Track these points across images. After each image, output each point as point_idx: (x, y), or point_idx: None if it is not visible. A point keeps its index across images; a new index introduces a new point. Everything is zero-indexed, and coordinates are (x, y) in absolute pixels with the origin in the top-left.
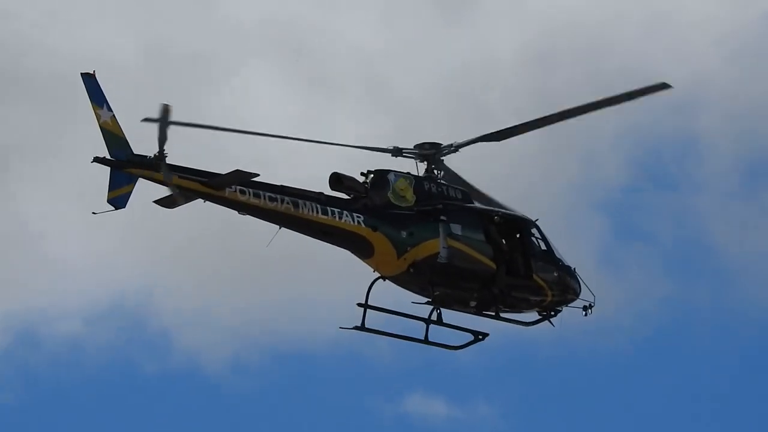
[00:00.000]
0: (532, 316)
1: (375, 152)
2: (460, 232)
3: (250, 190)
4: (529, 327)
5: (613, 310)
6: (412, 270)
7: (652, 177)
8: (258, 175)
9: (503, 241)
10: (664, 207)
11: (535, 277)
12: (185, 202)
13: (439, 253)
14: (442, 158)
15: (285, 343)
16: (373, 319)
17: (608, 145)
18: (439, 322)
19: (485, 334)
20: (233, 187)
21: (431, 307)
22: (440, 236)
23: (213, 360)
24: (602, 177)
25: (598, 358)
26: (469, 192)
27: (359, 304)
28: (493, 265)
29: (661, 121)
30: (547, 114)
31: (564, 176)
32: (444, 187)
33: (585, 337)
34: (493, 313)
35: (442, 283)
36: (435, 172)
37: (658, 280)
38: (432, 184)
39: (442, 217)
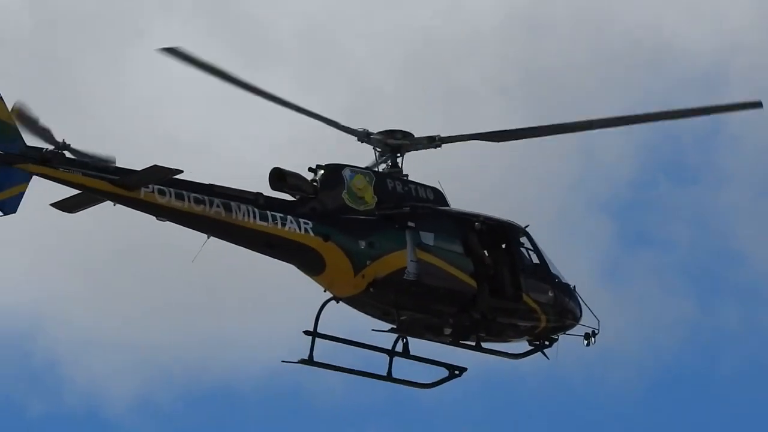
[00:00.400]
0: (522, 346)
1: (336, 131)
2: (432, 242)
3: (171, 190)
4: (519, 360)
5: (620, 336)
6: (372, 289)
7: (666, 169)
8: (181, 171)
9: (486, 253)
10: (682, 207)
11: (525, 297)
12: (91, 205)
13: (406, 268)
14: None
15: (208, 380)
16: (324, 350)
17: (612, 130)
18: (406, 353)
19: (462, 369)
20: (150, 186)
21: (396, 335)
22: (407, 247)
23: (114, 399)
24: (605, 170)
25: (602, 397)
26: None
27: (306, 332)
28: (474, 284)
29: (678, 100)
30: (561, 122)
31: (559, 170)
32: (412, 186)
33: (587, 371)
34: (473, 343)
35: (410, 306)
36: (399, 167)
37: (675, 298)
38: (397, 182)
39: (410, 224)
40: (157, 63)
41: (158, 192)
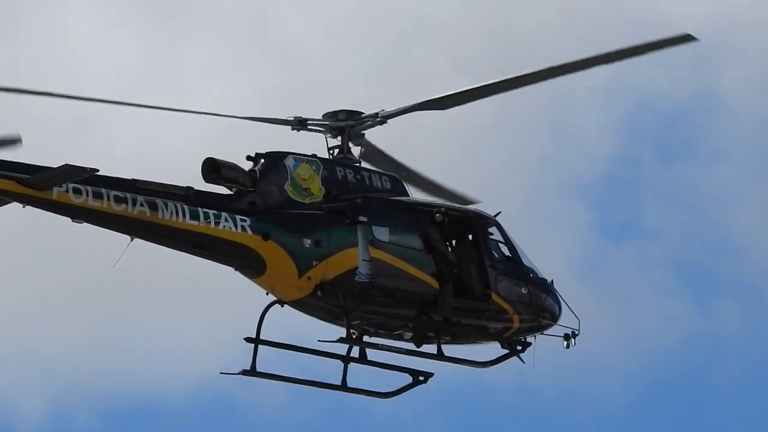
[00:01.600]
0: (493, 350)
1: (266, 124)
2: (387, 238)
3: (88, 188)
4: (488, 368)
5: (603, 338)
6: (320, 293)
7: (652, 146)
8: (97, 170)
9: (449, 248)
10: (671, 189)
11: (494, 296)
12: None
13: (357, 268)
14: (363, 132)
15: (131, 395)
16: (268, 358)
17: (589, 103)
18: (363, 359)
19: (428, 375)
20: (63, 185)
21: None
22: (359, 245)
23: (23, 415)
24: (583, 150)
25: (585, 406)
26: (404, 179)
27: (248, 339)
28: (435, 283)
29: (665, 68)
30: (515, 75)
31: (530, 150)
32: (365, 174)
33: (566, 377)
34: (435, 352)
35: (363, 311)
36: (352, 152)
37: (664, 295)
38: (348, 171)
39: (362, 218)
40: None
41: (73, 191)
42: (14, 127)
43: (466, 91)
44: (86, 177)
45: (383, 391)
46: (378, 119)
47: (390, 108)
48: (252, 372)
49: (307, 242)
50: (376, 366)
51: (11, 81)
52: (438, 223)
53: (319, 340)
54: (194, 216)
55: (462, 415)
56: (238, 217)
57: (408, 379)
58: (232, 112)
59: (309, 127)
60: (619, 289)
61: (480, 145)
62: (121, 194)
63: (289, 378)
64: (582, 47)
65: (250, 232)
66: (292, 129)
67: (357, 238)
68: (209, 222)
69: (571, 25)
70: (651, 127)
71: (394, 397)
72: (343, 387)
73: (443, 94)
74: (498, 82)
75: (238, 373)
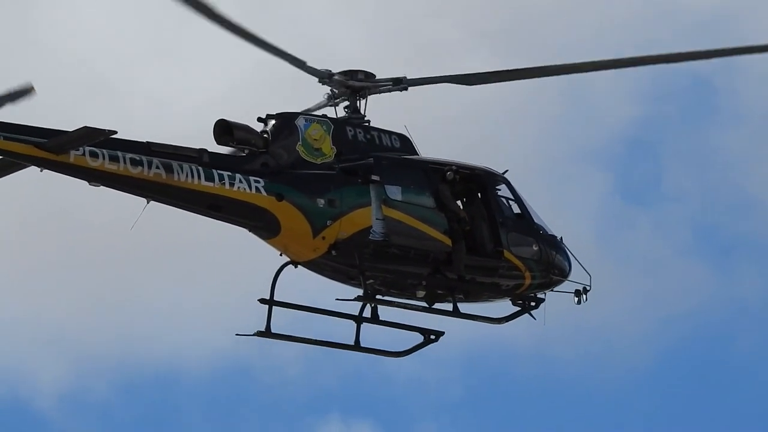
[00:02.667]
0: (505, 307)
1: (292, 72)
2: (400, 197)
3: (104, 151)
4: (502, 324)
5: (623, 301)
6: (334, 252)
7: (673, 108)
8: (115, 132)
9: (461, 205)
10: (691, 151)
11: (507, 253)
12: (11, 171)
13: (371, 227)
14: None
15: (146, 361)
16: (283, 319)
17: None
18: (375, 319)
19: (439, 333)
20: (80, 149)
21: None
22: (372, 204)
23: (39, 389)
24: (600, 112)
25: (605, 370)
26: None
27: (262, 300)
28: (449, 241)
29: (680, 46)
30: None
31: (546, 114)
32: (375, 134)
33: (587, 341)
34: (450, 308)
35: (378, 269)
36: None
37: (683, 260)
38: (358, 130)
39: (374, 177)
40: None
41: (90, 154)
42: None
43: (495, 72)
44: (102, 140)
45: (396, 350)
46: (401, 85)
47: (410, 75)
48: (266, 333)
49: (321, 202)
50: (388, 326)
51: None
52: (449, 181)
53: (336, 299)
54: (209, 177)
55: (478, 375)
56: (251, 178)
57: (419, 338)
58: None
59: (333, 81)
60: (639, 252)
61: (496, 108)
62: (136, 157)
63: (304, 339)
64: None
65: (264, 193)
66: (319, 81)
67: (370, 197)
68: (224, 183)
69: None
70: (671, 89)
71: (408, 356)
72: (357, 347)
73: (471, 72)
74: (529, 69)
75: (253, 335)
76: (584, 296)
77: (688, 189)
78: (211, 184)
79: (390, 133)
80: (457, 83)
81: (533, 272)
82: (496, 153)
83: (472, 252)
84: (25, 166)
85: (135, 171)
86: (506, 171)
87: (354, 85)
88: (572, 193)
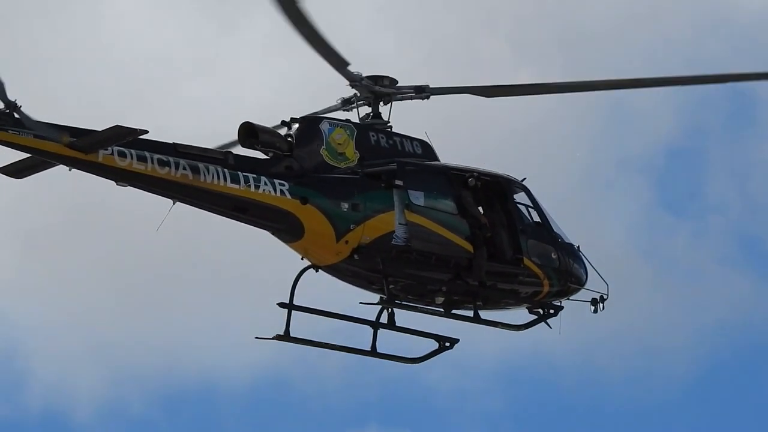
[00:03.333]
0: (522, 315)
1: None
2: (423, 203)
3: (132, 151)
4: (521, 332)
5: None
6: (356, 256)
7: (716, 118)
8: (146, 131)
9: (482, 212)
10: (733, 161)
11: (526, 260)
12: (40, 170)
13: (394, 232)
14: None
15: (183, 372)
16: (301, 324)
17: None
18: (392, 325)
19: (454, 341)
20: (109, 148)
21: (380, 307)
22: (395, 209)
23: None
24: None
25: (649, 379)
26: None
27: (281, 305)
28: (470, 247)
29: (737, 64)
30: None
31: (588, 123)
32: (398, 139)
33: (632, 353)
34: (471, 314)
35: (400, 274)
36: (382, 117)
37: (725, 270)
38: (381, 135)
39: (398, 182)
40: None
41: (118, 154)
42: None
43: (518, 85)
44: (130, 140)
45: (411, 356)
46: (424, 94)
47: (433, 84)
48: (285, 337)
49: (345, 206)
50: (404, 332)
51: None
52: (471, 188)
53: (360, 303)
54: (235, 180)
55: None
56: (276, 181)
57: (434, 345)
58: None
59: (363, 82)
60: (680, 262)
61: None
62: (164, 158)
63: (322, 343)
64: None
65: (288, 196)
66: (350, 84)
67: (393, 202)
68: (249, 186)
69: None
70: (712, 99)
71: (422, 363)
72: (373, 352)
73: (493, 84)
74: (550, 84)
75: (273, 338)
76: (601, 305)
77: (730, 199)
78: (236, 186)
79: (412, 139)
80: (478, 95)
81: (551, 280)
82: (537, 162)
83: (492, 258)
84: (52, 165)
85: (162, 171)
86: (524, 179)
87: (380, 90)
88: (614, 203)
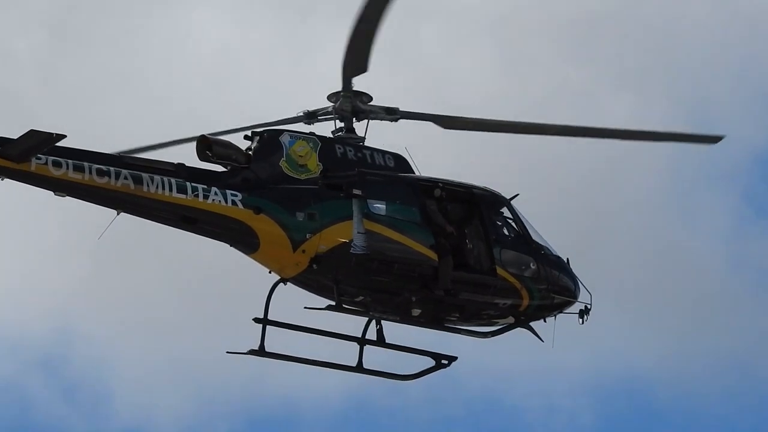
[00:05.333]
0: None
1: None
2: (383, 211)
3: (69, 161)
4: (489, 338)
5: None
6: (315, 266)
7: None
8: (64, 136)
9: (449, 222)
10: None
11: (500, 271)
12: None
13: (352, 240)
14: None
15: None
16: (279, 340)
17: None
18: (381, 342)
19: (452, 358)
20: (43, 158)
21: (366, 319)
22: (354, 217)
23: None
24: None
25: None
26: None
27: (256, 320)
28: (434, 256)
29: None
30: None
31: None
32: (367, 152)
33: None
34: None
35: (361, 284)
36: (356, 131)
37: None
38: (349, 148)
39: (356, 191)
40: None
41: (53, 164)
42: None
43: (482, 121)
44: (53, 144)
45: (404, 373)
46: (394, 116)
47: (406, 109)
48: (260, 352)
49: (300, 216)
50: (395, 349)
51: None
52: (437, 198)
53: (305, 307)
54: (181, 189)
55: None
56: (229, 191)
57: (430, 362)
58: None
59: (342, 95)
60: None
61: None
62: (104, 168)
63: (302, 359)
64: None
65: (241, 206)
66: (327, 97)
67: (352, 211)
68: (197, 195)
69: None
70: None
71: (416, 380)
72: (359, 369)
73: (454, 115)
74: (514, 123)
75: (246, 353)
76: (587, 316)
77: None
78: (183, 196)
79: (384, 152)
80: (436, 123)
81: (531, 292)
82: (627, 175)
83: (461, 268)
84: None
85: (101, 181)
86: (516, 195)
87: (358, 106)
88: (703, 214)
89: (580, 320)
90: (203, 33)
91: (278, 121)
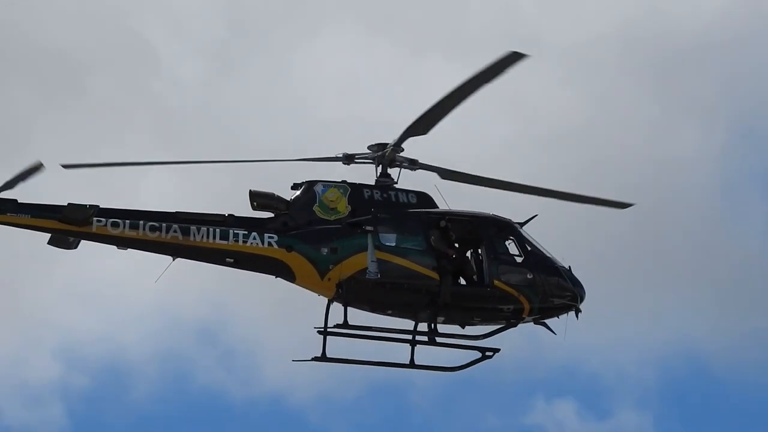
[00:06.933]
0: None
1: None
2: (393, 243)
3: (126, 221)
4: (482, 340)
5: None
6: (340, 290)
7: None
8: (97, 207)
9: (450, 246)
10: None
11: (497, 283)
12: (68, 244)
13: (367, 268)
14: (395, 157)
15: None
16: (341, 346)
17: None
18: (432, 341)
19: (495, 350)
20: (102, 220)
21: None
22: (368, 249)
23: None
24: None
25: None
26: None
27: (318, 330)
28: (437, 275)
29: None
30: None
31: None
32: (392, 193)
33: None
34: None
35: (379, 301)
36: (390, 176)
37: None
38: (376, 191)
39: (368, 227)
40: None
41: (111, 225)
42: None
43: (481, 177)
44: (93, 212)
45: (450, 366)
46: (414, 166)
47: (425, 161)
48: (323, 358)
49: (324, 250)
50: (445, 346)
51: None
52: (442, 228)
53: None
54: (224, 236)
55: None
56: (267, 234)
57: (476, 354)
58: None
59: (356, 160)
60: None
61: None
62: (156, 224)
63: (360, 361)
64: None
65: (276, 246)
66: (344, 163)
67: (366, 244)
68: (237, 240)
69: None
70: None
71: (462, 371)
72: (412, 365)
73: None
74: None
75: (310, 360)
76: (580, 310)
77: None
78: (225, 242)
79: (409, 191)
80: (441, 176)
81: (530, 298)
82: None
83: (468, 284)
84: (69, 240)
85: (153, 235)
86: (535, 216)
87: (395, 156)
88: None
89: (576, 315)
90: (335, 63)
91: (320, 158)
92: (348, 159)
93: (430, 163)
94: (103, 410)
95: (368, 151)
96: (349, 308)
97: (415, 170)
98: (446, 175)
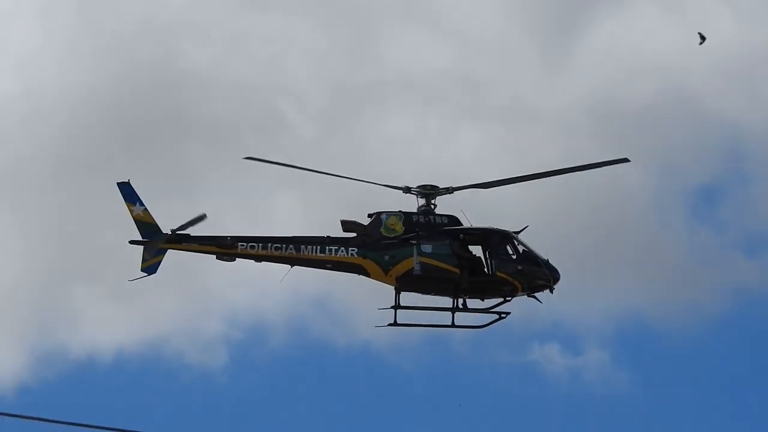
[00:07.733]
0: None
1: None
2: (430, 250)
3: (259, 244)
4: (490, 311)
5: None
6: (398, 282)
7: None
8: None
9: (466, 251)
10: None
11: (499, 273)
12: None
13: (413, 267)
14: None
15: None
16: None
17: None
18: (465, 308)
19: (507, 313)
20: (244, 244)
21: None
22: (414, 255)
23: None
24: None
25: None
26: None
27: (392, 307)
28: (458, 270)
29: None
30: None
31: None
32: (431, 217)
33: None
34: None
35: (423, 288)
36: (431, 206)
37: None
38: (420, 217)
39: (413, 241)
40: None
41: (250, 247)
42: None
43: (503, 179)
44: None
45: (478, 324)
46: (450, 191)
47: (455, 184)
48: (395, 324)
49: (386, 257)
50: (475, 311)
51: None
52: (461, 239)
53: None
54: (323, 251)
55: None
56: (350, 249)
57: (494, 316)
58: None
59: (412, 191)
60: None
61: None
62: (278, 245)
63: (419, 324)
64: None
65: (356, 256)
66: (404, 192)
67: (413, 252)
68: (332, 253)
69: None
70: None
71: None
72: (453, 325)
73: (492, 180)
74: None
75: (387, 325)
76: (554, 288)
77: None
78: (323, 254)
79: (443, 215)
80: (479, 188)
81: (521, 282)
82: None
83: (474, 274)
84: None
85: (277, 252)
86: (524, 228)
87: (434, 192)
88: None
89: (551, 292)
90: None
91: (386, 185)
92: (406, 191)
93: (461, 185)
94: (251, 356)
95: (418, 189)
96: (405, 293)
97: (452, 193)
98: (482, 186)
